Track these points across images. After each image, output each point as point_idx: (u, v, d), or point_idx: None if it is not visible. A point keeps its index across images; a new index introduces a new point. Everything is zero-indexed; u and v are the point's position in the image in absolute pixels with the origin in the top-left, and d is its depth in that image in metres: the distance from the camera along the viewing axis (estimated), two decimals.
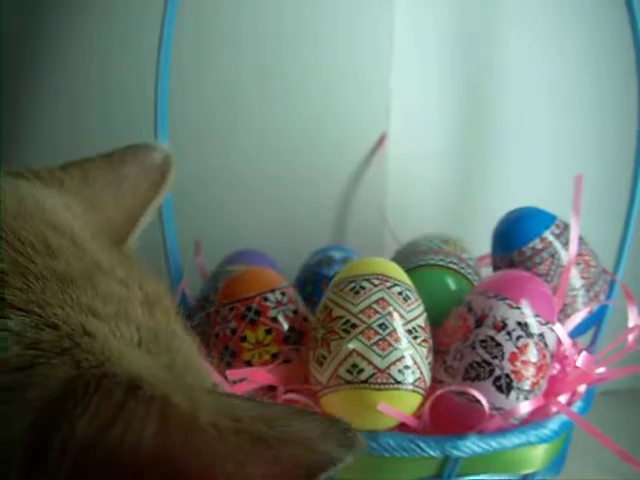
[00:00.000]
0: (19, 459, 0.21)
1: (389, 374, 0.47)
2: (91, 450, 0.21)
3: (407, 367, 0.48)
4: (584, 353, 0.53)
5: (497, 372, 0.49)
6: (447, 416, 0.50)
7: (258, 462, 0.22)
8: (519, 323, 0.50)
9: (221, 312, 0.54)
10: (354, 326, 0.49)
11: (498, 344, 0.50)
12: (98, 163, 0.35)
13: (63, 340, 0.23)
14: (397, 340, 0.48)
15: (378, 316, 0.49)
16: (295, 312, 0.54)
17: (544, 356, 0.50)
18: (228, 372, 0.50)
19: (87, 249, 0.28)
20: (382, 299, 0.49)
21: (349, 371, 0.48)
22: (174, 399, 0.22)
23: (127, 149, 0.36)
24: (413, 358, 0.48)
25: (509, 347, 0.49)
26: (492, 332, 0.50)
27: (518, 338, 0.50)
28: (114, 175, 0.35)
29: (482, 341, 0.50)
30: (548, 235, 0.58)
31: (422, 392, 0.49)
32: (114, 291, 0.27)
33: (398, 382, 0.48)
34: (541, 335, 0.50)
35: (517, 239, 0.58)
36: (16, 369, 0.22)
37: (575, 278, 0.58)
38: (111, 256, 0.29)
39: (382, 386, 0.47)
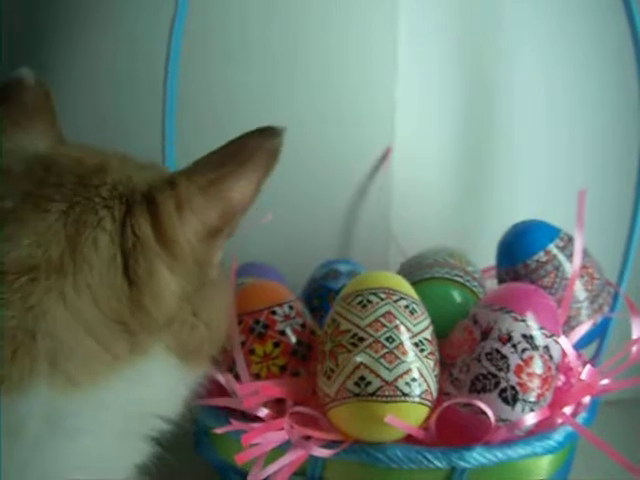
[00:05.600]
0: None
1: (396, 387, 0.48)
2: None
3: (414, 380, 0.48)
4: (588, 366, 0.53)
5: (503, 384, 0.50)
6: (453, 428, 0.50)
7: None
8: (524, 335, 0.51)
9: None
10: (361, 339, 0.49)
11: (504, 356, 0.50)
12: None
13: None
14: (404, 353, 0.49)
15: (385, 329, 0.49)
16: (303, 325, 0.55)
17: (549, 368, 0.51)
18: (239, 386, 0.50)
19: None
20: (389, 312, 0.50)
21: (357, 384, 0.48)
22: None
23: None
24: (420, 371, 0.49)
25: (514, 359, 0.50)
26: (498, 345, 0.50)
27: (523, 350, 0.50)
28: None
29: (488, 353, 0.50)
30: (553, 248, 0.59)
31: (429, 404, 0.49)
32: None
33: (405, 394, 0.48)
34: (546, 347, 0.51)
35: (522, 252, 0.59)
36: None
37: (579, 290, 0.58)
38: None
39: (389, 399, 0.48)
